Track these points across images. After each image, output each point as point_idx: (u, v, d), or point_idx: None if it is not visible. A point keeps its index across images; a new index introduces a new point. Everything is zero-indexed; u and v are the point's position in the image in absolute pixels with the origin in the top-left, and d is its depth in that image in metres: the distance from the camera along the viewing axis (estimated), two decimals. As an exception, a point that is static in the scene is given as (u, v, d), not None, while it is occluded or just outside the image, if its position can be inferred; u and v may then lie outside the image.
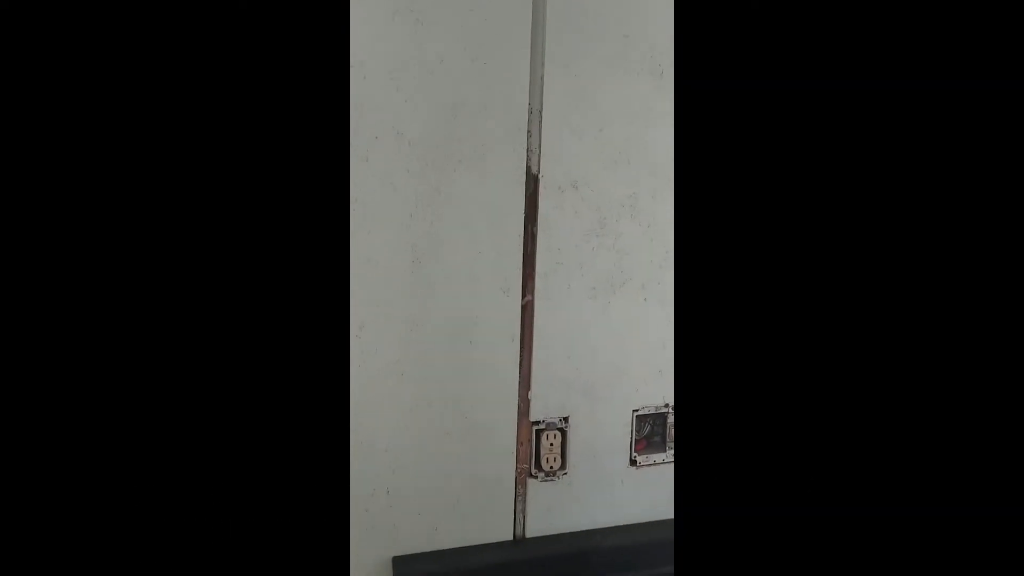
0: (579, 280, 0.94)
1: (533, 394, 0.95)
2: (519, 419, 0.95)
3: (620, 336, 0.98)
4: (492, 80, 0.86)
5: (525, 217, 0.91)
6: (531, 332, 0.93)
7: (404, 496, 0.90)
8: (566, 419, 0.97)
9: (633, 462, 1.02)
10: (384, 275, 0.86)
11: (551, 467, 0.97)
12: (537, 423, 0.96)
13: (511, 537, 0.96)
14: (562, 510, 0.98)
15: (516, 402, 0.95)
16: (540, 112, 0.89)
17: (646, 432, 1.06)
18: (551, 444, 0.96)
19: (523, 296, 0.92)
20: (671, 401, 1.02)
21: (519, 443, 0.95)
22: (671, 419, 1.04)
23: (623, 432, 1.01)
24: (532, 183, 0.91)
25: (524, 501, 0.96)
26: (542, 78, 0.88)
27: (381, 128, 0.83)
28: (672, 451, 1.04)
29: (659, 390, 1.01)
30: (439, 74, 0.83)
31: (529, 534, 0.97)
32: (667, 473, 1.04)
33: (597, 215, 0.93)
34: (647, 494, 1.03)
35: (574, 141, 0.90)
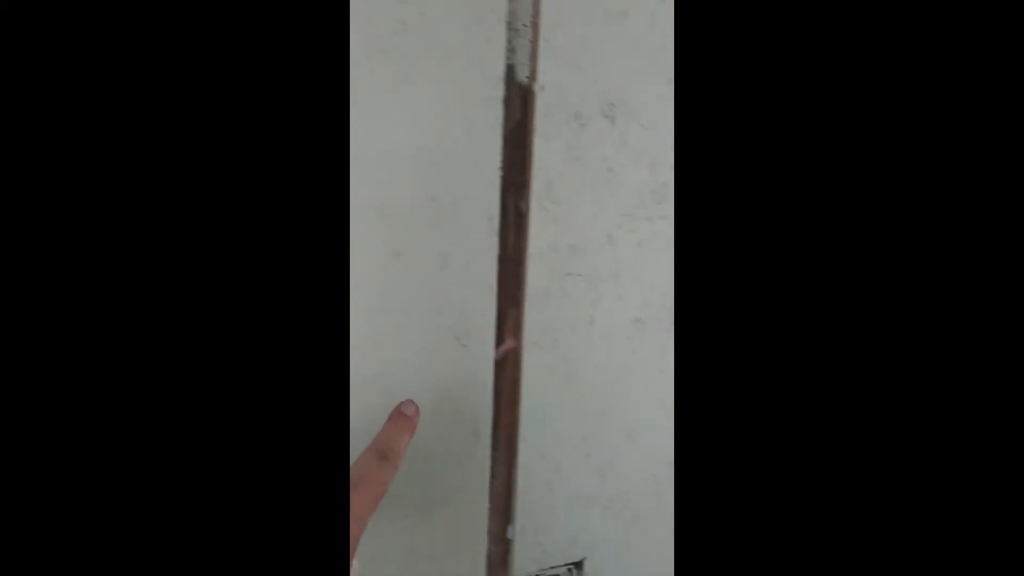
0: (613, 305, 0.47)
1: (518, 528, 0.49)
2: (492, 578, 0.48)
3: (680, 406, 0.52)
4: None
5: (503, 174, 0.42)
6: (513, 409, 0.46)
7: None
8: (579, 566, 0.51)
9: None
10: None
11: (552, 656, 0.51)
12: (526, 580, 0.50)
13: None
14: None
15: (483, 548, 0.48)
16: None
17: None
18: (553, 617, 0.50)
19: (499, 342, 0.45)
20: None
21: (492, 623, 0.49)
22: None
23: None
24: (519, 101, 0.41)
25: None
26: None
27: None
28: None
29: (737, 490, 0.57)
30: None
31: None
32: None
33: (654, 175, 0.46)
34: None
35: (605, 26, 0.41)
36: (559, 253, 0.44)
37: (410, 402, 0.39)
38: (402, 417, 0.37)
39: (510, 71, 0.40)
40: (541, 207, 0.43)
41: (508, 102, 0.41)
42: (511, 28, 0.40)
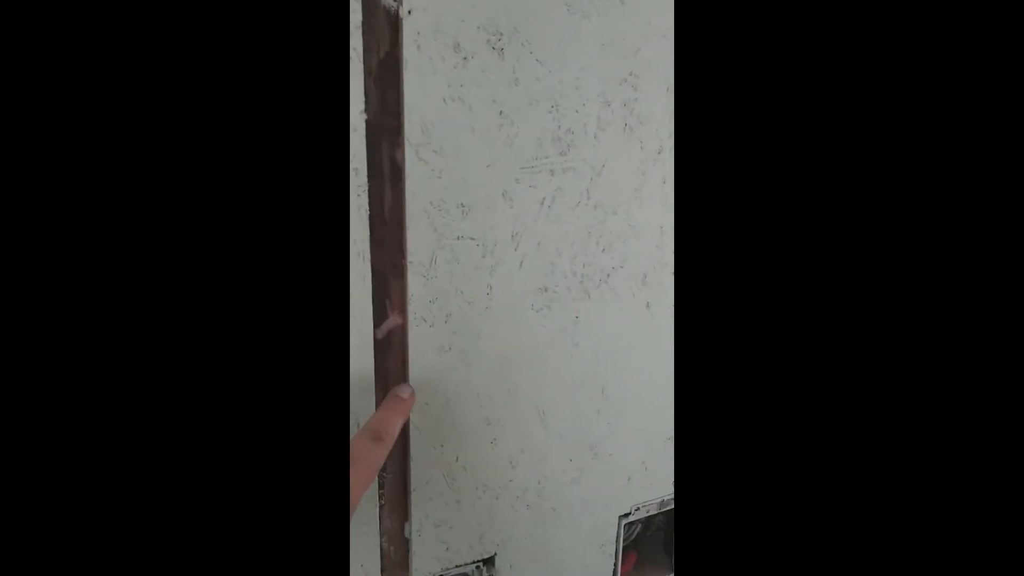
0: (514, 272, 0.41)
1: (416, 526, 0.43)
2: (387, 582, 0.43)
3: (598, 379, 0.47)
4: None
5: (368, 119, 0.35)
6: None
7: None
8: (489, 562, 0.46)
9: (617, 600, 0.54)
10: None
11: (461, 661, 0.47)
12: (428, 581, 0.45)
13: None
14: None
15: (376, 549, 0.42)
16: None
17: (634, 534, 0.58)
18: (460, 620, 0.46)
19: (379, 317, 0.38)
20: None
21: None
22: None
23: (601, 555, 0.52)
24: (386, 27, 0.34)
25: None
26: None
27: None
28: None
29: (669, 472, 0.53)
30: None
31: None
32: (675, 607, 0.57)
33: (556, 120, 0.39)
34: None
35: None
36: (446, 213, 0.38)
37: (406, 385, 0.39)
38: (397, 400, 0.37)
39: (369, -11, 0.33)
40: (419, 158, 0.36)
41: (370, 30, 0.34)
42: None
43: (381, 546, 0.43)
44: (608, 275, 0.44)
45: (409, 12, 0.34)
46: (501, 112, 0.37)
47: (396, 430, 0.36)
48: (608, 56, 0.39)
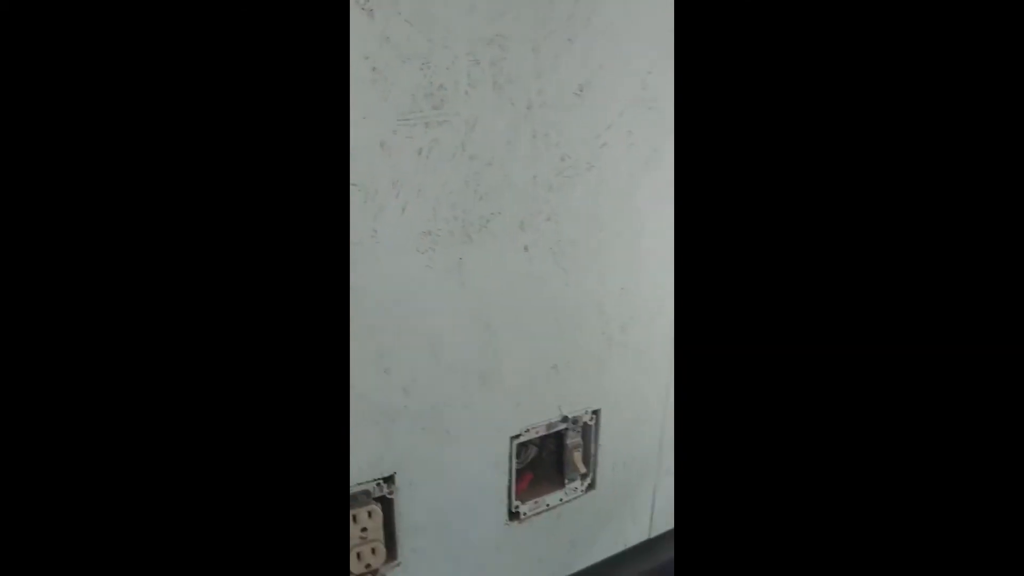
0: (396, 216, 0.45)
1: (318, 448, 0.48)
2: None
3: (484, 316, 0.52)
4: None
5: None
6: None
7: None
8: (389, 480, 0.52)
9: (515, 514, 0.61)
10: None
11: (369, 568, 0.52)
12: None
13: None
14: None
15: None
16: None
17: (530, 457, 0.64)
18: (363, 531, 0.51)
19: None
20: (579, 411, 0.61)
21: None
22: (572, 437, 0.63)
23: (496, 473, 0.58)
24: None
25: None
26: None
27: None
28: (576, 483, 0.64)
29: (554, 397, 0.59)
30: None
31: None
32: (568, 517, 0.65)
33: (428, 76, 0.43)
34: (538, 551, 0.64)
35: None
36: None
37: None
38: None
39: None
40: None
41: None
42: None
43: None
44: (488, 220, 0.49)
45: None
46: (374, 68, 0.41)
47: None
48: (476, 17, 0.43)
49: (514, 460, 0.59)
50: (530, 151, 0.49)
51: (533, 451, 0.65)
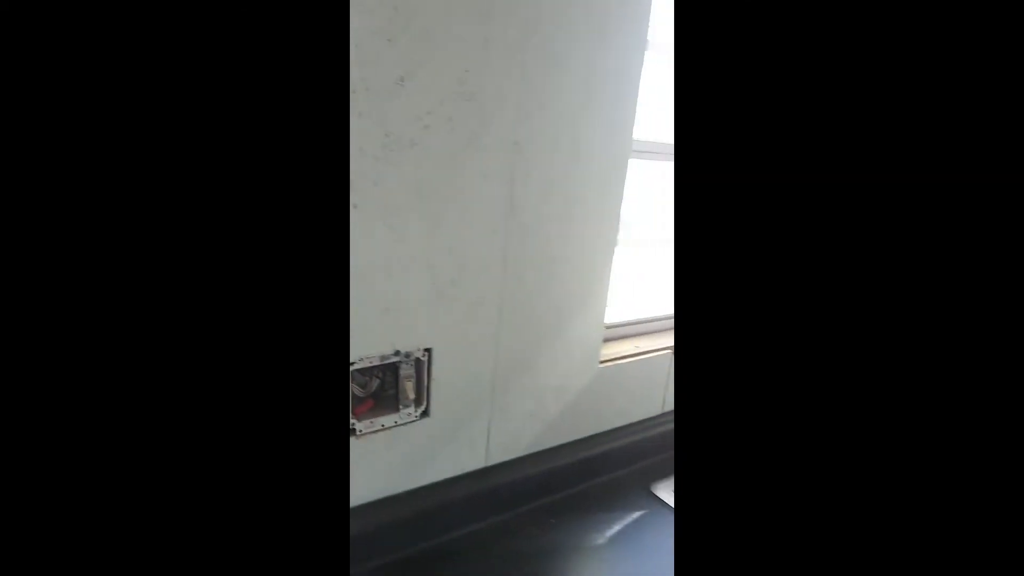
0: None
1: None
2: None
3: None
4: None
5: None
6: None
7: None
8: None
9: (353, 430, 0.73)
10: None
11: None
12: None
13: None
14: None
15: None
16: None
17: (373, 388, 0.77)
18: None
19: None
20: (411, 348, 0.74)
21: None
22: (406, 369, 0.76)
23: (333, 395, 0.70)
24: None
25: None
26: None
27: None
28: (411, 409, 0.77)
29: (388, 334, 0.72)
30: None
31: None
32: (403, 438, 0.77)
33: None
34: (378, 466, 0.76)
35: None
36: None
37: None
38: None
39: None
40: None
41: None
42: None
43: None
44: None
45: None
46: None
47: None
48: None
49: (351, 384, 0.71)
50: (356, 127, 0.61)
51: (376, 383, 0.77)
